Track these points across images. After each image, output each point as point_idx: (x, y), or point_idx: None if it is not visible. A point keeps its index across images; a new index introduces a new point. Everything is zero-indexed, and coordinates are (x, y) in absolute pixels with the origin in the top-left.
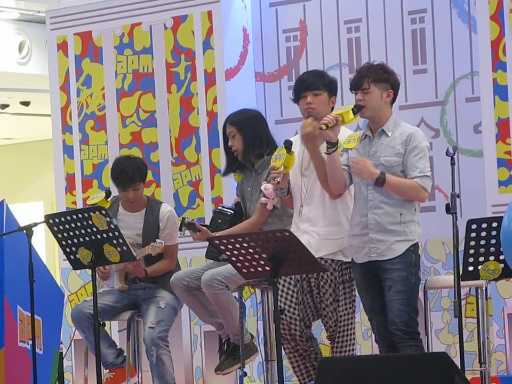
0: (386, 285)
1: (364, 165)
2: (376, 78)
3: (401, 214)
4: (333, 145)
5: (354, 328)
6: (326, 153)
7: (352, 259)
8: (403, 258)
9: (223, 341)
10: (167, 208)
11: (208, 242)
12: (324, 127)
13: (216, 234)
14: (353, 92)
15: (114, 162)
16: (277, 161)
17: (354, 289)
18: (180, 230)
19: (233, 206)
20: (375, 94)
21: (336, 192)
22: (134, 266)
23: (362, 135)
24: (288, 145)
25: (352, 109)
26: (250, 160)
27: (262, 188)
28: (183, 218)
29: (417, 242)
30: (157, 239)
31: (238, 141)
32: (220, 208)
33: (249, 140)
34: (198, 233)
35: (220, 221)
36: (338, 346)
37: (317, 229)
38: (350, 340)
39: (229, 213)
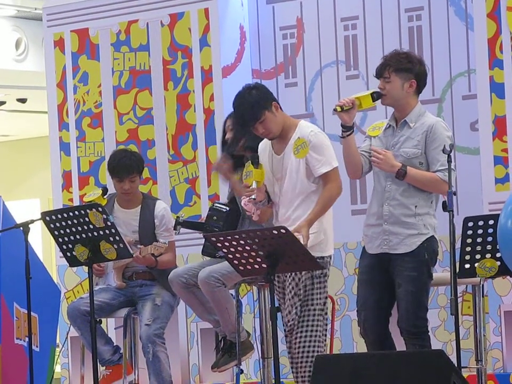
0: (397, 282)
1: (385, 156)
2: (397, 67)
3: (416, 206)
4: (348, 128)
5: (326, 325)
6: (341, 137)
7: (363, 248)
8: (415, 256)
9: (220, 338)
10: (162, 205)
11: (204, 239)
12: (339, 109)
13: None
14: (377, 78)
15: (112, 154)
16: (247, 178)
17: (327, 286)
18: (175, 229)
19: (228, 202)
20: (395, 84)
21: (352, 177)
22: (143, 261)
23: (386, 124)
24: (254, 159)
25: (372, 94)
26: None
27: (242, 204)
28: (177, 217)
29: (431, 236)
30: (160, 239)
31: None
32: (215, 205)
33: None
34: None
35: (215, 218)
36: (301, 341)
37: (294, 227)
38: (320, 336)
39: (224, 210)
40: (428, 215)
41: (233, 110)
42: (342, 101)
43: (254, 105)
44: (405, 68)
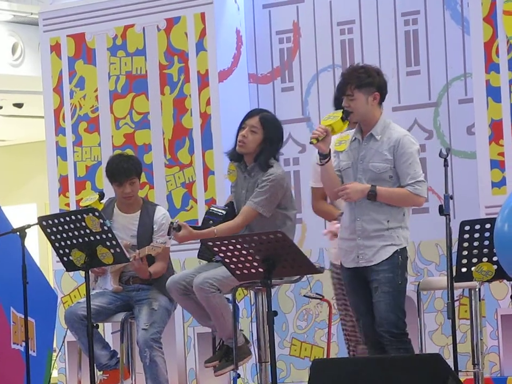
0: (373, 286)
1: (350, 188)
2: (359, 84)
3: (388, 221)
4: (324, 156)
5: None
6: (320, 165)
7: (340, 262)
8: (389, 260)
9: (219, 341)
10: (162, 211)
11: (200, 244)
12: (315, 141)
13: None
14: (340, 96)
15: (109, 159)
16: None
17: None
18: (169, 234)
19: (225, 206)
20: (360, 100)
21: (333, 199)
22: (139, 265)
23: (352, 137)
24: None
25: (341, 117)
26: (245, 160)
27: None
28: (172, 223)
29: (405, 247)
30: (157, 240)
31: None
32: (212, 209)
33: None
34: (179, 232)
35: (211, 222)
36: None
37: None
38: None
39: (220, 214)
40: (400, 228)
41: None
42: (315, 132)
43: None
44: (366, 83)
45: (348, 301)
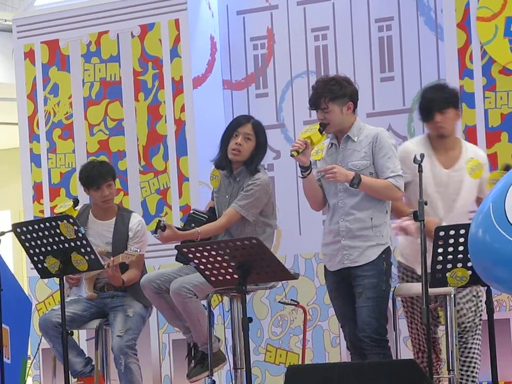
0: (357, 291)
1: (338, 168)
2: (332, 96)
3: (372, 219)
4: (306, 168)
5: None
6: (302, 177)
7: (325, 267)
8: (374, 265)
9: (191, 346)
10: (137, 218)
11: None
12: (295, 154)
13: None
14: (313, 109)
15: (82, 167)
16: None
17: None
18: (155, 232)
19: (207, 210)
20: (335, 112)
21: (317, 210)
22: (113, 272)
23: (328, 144)
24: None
25: (319, 129)
26: (231, 166)
27: (403, 224)
28: (159, 221)
29: (389, 246)
30: (131, 247)
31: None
32: (194, 212)
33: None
34: (164, 232)
35: (193, 225)
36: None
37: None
38: None
39: (201, 217)
40: (385, 225)
41: None
42: (295, 144)
43: None
44: (339, 95)
45: (334, 307)
